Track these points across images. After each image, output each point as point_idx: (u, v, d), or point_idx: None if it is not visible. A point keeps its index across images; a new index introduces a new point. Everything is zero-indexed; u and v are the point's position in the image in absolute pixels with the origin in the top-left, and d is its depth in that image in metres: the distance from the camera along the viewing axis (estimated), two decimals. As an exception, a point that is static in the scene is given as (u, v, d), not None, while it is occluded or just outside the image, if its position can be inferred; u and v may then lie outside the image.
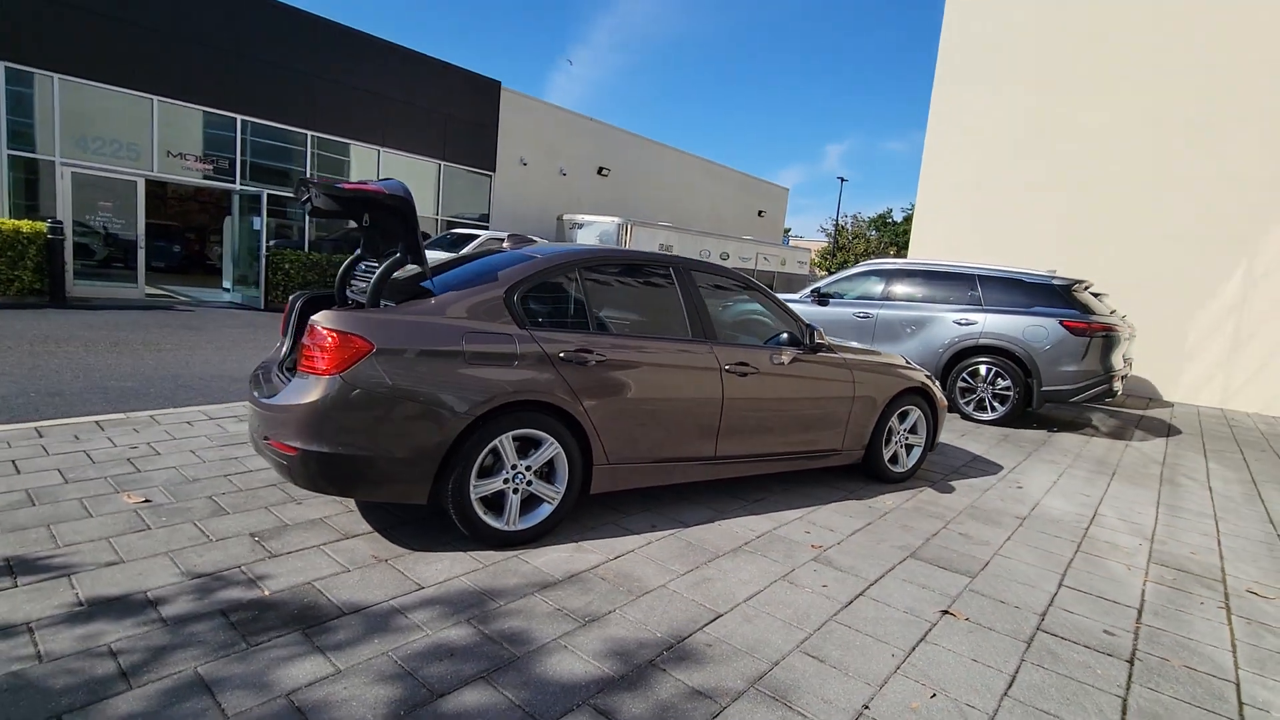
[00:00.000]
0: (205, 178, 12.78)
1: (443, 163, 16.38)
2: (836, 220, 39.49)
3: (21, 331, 7.51)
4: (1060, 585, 3.07)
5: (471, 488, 2.79)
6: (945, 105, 11.89)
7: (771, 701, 2.01)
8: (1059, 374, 6.64)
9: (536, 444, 2.96)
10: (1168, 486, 5.05)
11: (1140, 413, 8.65)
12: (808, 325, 3.95)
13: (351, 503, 3.30)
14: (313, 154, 14.11)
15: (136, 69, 11.53)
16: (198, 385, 5.77)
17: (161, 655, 1.97)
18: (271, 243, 12.76)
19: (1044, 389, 6.69)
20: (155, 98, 11.80)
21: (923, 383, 4.50)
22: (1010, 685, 2.22)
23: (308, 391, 2.61)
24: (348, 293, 3.50)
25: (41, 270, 9.95)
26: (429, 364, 2.70)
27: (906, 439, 4.51)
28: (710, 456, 3.55)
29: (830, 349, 4.05)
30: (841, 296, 7.91)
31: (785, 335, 3.89)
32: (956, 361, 7.04)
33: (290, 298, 3.51)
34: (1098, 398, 6.76)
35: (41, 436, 3.90)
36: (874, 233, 39.43)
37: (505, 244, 3.93)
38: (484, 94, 16.97)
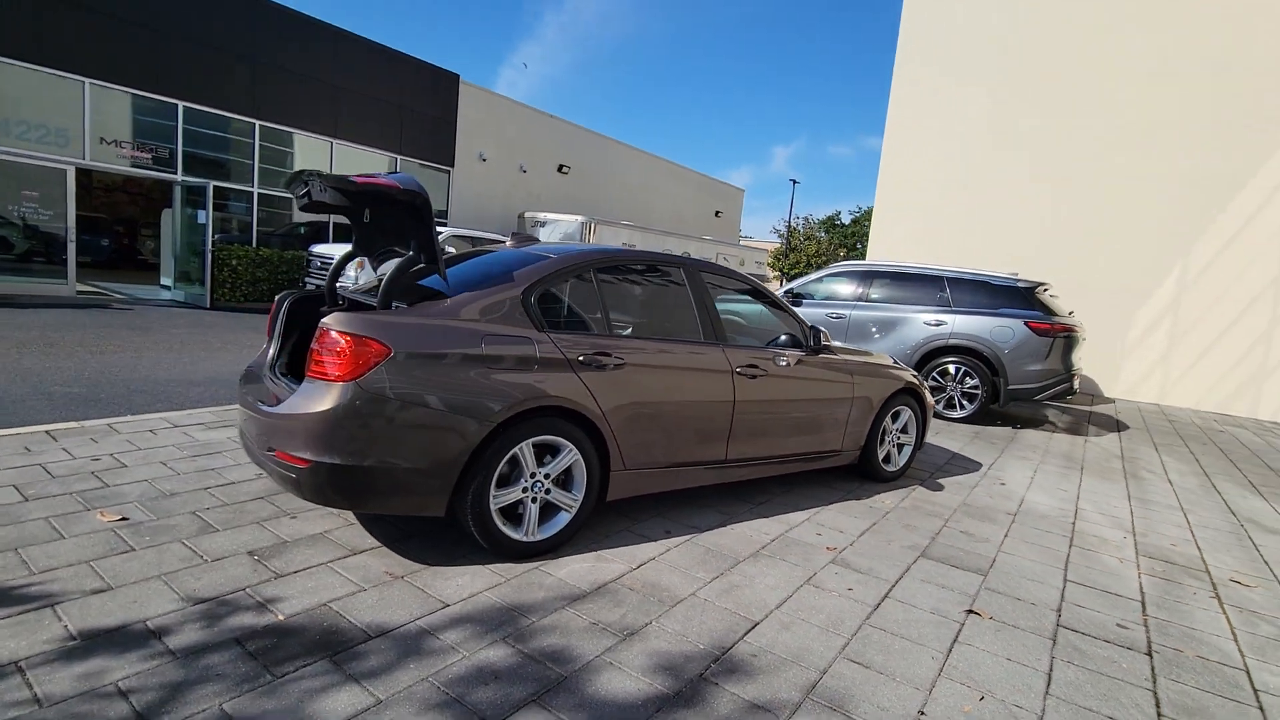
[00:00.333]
0: (141, 166, 11.95)
1: (399, 156, 15.82)
2: (789, 221, 40.26)
3: (-60, 331, 6.85)
4: (1065, 580, 3.17)
5: (491, 498, 2.66)
6: (903, 108, 12.23)
7: (830, 712, 1.98)
8: (1024, 373, 6.91)
9: (553, 450, 2.86)
10: (1133, 480, 5.31)
11: (1089, 409, 9.11)
12: (811, 327, 3.96)
13: (350, 515, 3.11)
14: (259, 144, 13.40)
15: (66, 49, 10.67)
16: (152, 390, 5.37)
17: (179, 693, 1.79)
18: (216, 237, 12.05)
19: (1010, 387, 6.94)
20: (87, 80, 10.94)
21: (913, 383, 4.59)
22: (1049, 684, 2.26)
23: (320, 399, 2.43)
24: (338, 290, 3.35)
25: (-47, 265, 9.11)
26: (449, 369, 2.56)
27: (898, 438, 4.59)
28: (721, 460, 3.51)
29: (831, 350, 4.08)
30: (814, 297, 8.03)
31: (785, 336, 3.89)
32: (927, 361, 7.24)
33: (277, 297, 3.31)
34: (1059, 395, 7.07)
35: (-12, 449, 3.54)
36: (824, 234, 40.34)
37: (508, 243, 3.80)
38: (442, 87, 16.49)
